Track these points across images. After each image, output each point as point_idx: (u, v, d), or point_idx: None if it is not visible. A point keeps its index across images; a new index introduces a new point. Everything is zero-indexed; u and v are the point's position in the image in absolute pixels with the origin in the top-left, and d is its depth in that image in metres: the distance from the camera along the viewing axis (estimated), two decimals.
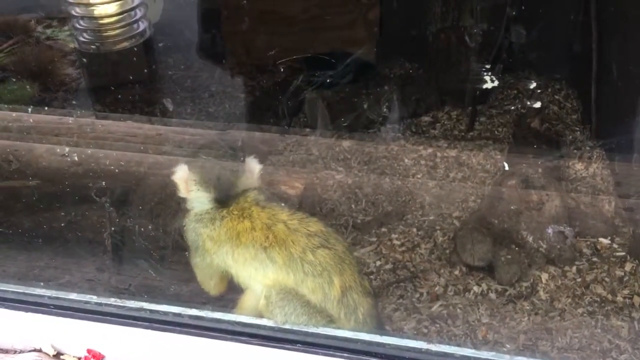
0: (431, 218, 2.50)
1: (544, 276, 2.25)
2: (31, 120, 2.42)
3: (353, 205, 2.56)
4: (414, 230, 2.46)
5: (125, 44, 2.93)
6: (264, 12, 2.95)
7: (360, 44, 2.98)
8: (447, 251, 2.36)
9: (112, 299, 1.92)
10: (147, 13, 2.99)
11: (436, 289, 2.24)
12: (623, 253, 2.30)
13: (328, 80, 2.93)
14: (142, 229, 2.17)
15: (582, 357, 2.01)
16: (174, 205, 2.01)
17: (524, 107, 2.97)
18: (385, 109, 2.84)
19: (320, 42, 2.95)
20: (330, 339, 1.77)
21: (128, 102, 2.82)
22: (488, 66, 2.89)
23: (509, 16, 2.79)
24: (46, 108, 2.70)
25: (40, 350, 1.98)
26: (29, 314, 1.94)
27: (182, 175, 1.83)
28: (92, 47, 2.93)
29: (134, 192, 2.24)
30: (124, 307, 1.90)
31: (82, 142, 2.34)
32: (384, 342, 1.76)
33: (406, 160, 2.75)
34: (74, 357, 1.96)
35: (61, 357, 1.97)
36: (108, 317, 1.90)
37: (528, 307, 2.15)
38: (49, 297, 1.94)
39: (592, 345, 2.03)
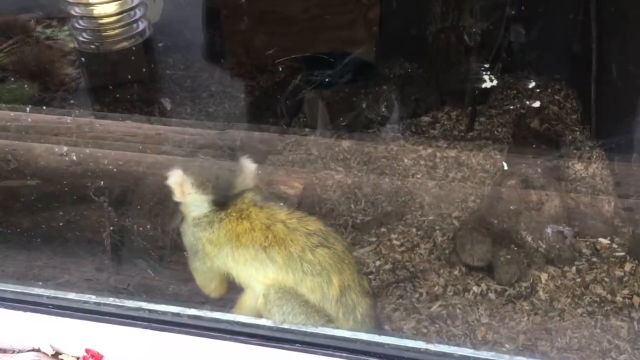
0: (431, 218, 2.49)
1: (544, 276, 2.25)
2: (29, 120, 2.42)
3: (352, 205, 2.56)
4: (414, 230, 2.45)
5: (125, 44, 2.93)
6: (264, 12, 2.95)
7: (360, 43, 2.98)
8: (447, 251, 2.36)
9: (111, 299, 1.91)
10: (146, 13, 2.99)
11: (435, 289, 2.24)
12: (622, 253, 2.30)
13: (327, 80, 2.92)
14: (141, 229, 2.16)
15: (581, 357, 2.01)
16: (173, 205, 2.00)
17: (523, 107, 2.97)
18: (383, 109, 2.83)
19: (320, 42, 2.95)
20: (329, 338, 1.76)
21: (127, 101, 2.82)
22: (488, 66, 2.89)
23: (508, 16, 2.79)
24: (44, 107, 2.69)
25: (38, 350, 1.98)
26: (28, 313, 1.94)
27: (177, 180, 1.80)
28: (92, 46, 2.93)
29: (133, 192, 2.23)
30: (122, 306, 1.89)
31: (81, 142, 2.34)
32: (383, 342, 1.76)
33: (406, 160, 2.75)
34: (72, 356, 1.96)
35: (60, 356, 1.97)
36: (107, 317, 1.90)
37: (527, 307, 2.15)
38: (48, 297, 1.94)
39: (592, 345, 2.03)
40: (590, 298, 2.17)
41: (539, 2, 2.78)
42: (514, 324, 2.11)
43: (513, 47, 2.89)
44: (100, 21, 2.91)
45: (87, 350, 1.94)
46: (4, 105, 2.72)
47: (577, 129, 2.83)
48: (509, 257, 2.26)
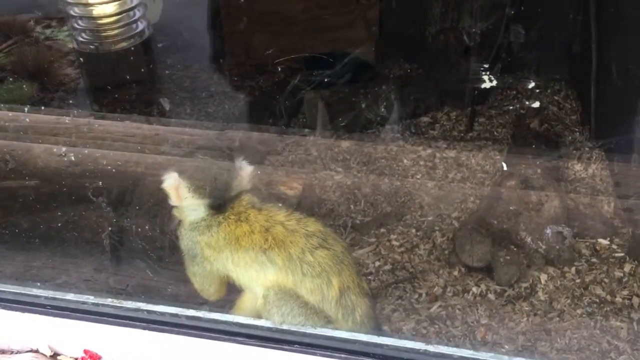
0: (430, 219, 2.49)
1: (543, 277, 2.25)
2: (27, 120, 2.41)
3: (352, 206, 2.56)
4: (413, 231, 2.45)
5: (124, 44, 2.92)
6: (264, 13, 2.95)
7: (360, 44, 2.98)
8: (446, 252, 2.35)
9: (109, 300, 1.90)
10: (146, 13, 2.98)
11: (435, 289, 2.23)
12: (622, 254, 2.30)
13: (326, 80, 2.92)
14: (140, 229, 2.16)
15: (581, 358, 2.00)
16: (171, 206, 1.99)
17: (523, 107, 2.97)
18: (383, 109, 2.83)
19: (320, 43, 2.95)
20: (328, 339, 1.76)
21: (126, 102, 2.82)
22: (487, 67, 2.89)
23: (508, 16, 2.79)
24: (43, 107, 2.69)
25: (37, 351, 1.97)
26: (26, 314, 1.93)
27: (173, 183, 1.77)
28: (91, 47, 2.93)
29: (132, 192, 2.23)
30: (121, 307, 1.89)
31: (79, 142, 2.33)
32: (382, 342, 1.75)
33: (405, 161, 2.75)
34: (70, 357, 1.96)
35: (58, 357, 1.97)
36: (105, 318, 1.89)
37: (527, 308, 2.15)
38: (46, 298, 1.93)
39: (591, 346, 2.03)
40: (590, 299, 2.17)
41: (538, 3, 2.78)
42: (514, 325, 2.11)
43: (513, 48, 2.89)
44: (100, 21, 2.91)
45: (85, 351, 1.93)
46: (2, 105, 2.71)
47: (576, 129, 2.83)
48: (508, 257, 2.26)
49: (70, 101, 3.01)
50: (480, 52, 2.88)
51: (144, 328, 1.86)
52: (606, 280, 2.22)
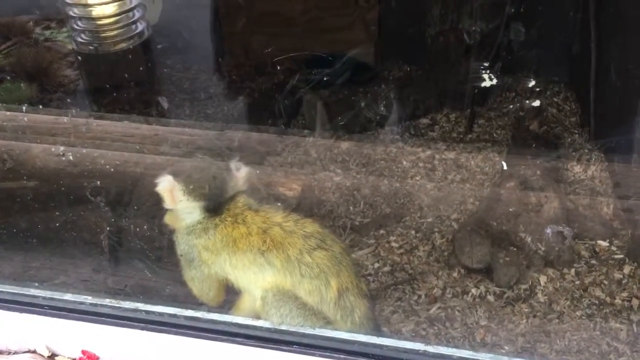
0: (429, 220, 2.49)
1: (543, 279, 2.24)
2: (26, 119, 2.41)
3: (351, 207, 2.55)
4: (412, 232, 2.45)
5: (124, 45, 2.92)
6: (263, 14, 2.95)
7: (359, 45, 2.98)
8: (446, 253, 2.35)
9: (107, 300, 1.90)
10: (145, 14, 2.98)
11: (434, 291, 2.23)
12: (622, 256, 2.30)
13: (325, 80, 2.92)
14: (138, 229, 2.15)
15: (580, 359, 2.00)
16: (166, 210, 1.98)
17: (522, 109, 2.97)
18: (382, 108, 2.83)
19: (319, 44, 2.95)
20: (327, 340, 1.75)
21: (126, 102, 2.81)
22: (487, 68, 2.88)
23: (508, 17, 2.79)
24: (41, 106, 2.69)
25: (34, 352, 1.97)
26: (24, 314, 1.93)
27: (167, 186, 1.76)
28: (90, 47, 2.93)
29: (131, 192, 2.22)
30: (119, 307, 1.88)
31: (78, 142, 2.33)
32: (381, 343, 1.75)
33: (404, 163, 2.74)
34: (68, 358, 1.95)
35: (56, 358, 1.96)
36: (103, 318, 1.89)
37: (526, 310, 2.15)
38: (44, 298, 1.93)
39: (591, 347, 2.03)
40: (589, 300, 2.17)
41: (538, 4, 2.78)
42: (513, 327, 2.10)
43: (512, 49, 2.89)
44: (99, 22, 2.90)
45: (83, 352, 1.93)
46: (1, 106, 2.71)
47: (576, 131, 2.83)
48: (507, 259, 2.25)
49: (70, 102, 3.01)
50: (480, 53, 2.88)
51: (142, 328, 1.86)
52: (605, 282, 2.22)
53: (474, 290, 2.22)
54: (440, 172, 2.69)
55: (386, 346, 1.75)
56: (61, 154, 2.28)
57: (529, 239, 2.30)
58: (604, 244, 2.34)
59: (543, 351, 2.02)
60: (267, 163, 2.66)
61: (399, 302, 2.20)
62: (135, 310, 1.88)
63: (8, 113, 2.47)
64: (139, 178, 2.24)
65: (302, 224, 1.77)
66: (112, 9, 2.89)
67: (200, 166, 1.82)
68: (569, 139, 2.78)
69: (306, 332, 1.76)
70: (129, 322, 1.87)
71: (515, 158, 2.59)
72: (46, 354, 1.96)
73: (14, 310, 1.94)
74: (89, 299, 1.91)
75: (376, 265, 2.33)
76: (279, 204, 2.10)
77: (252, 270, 1.76)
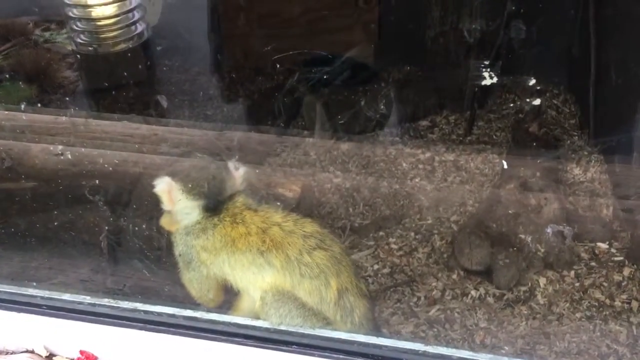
0: (429, 222, 2.49)
1: (542, 280, 2.24)
2: (24, 118, 2.41)
3: (351, 209, 2.55)
4: (412, 234, 2.45)
5: (123, 46, 2.92)
6: (263, 16, 2.96)
7: (359, 47, 2.98)
8: (445, 255, 2.35)
9: (106, 300, 1.89)
10: (145, 15, 2.98)
11: (434, 293, 2.23)
12: (621, 258, 2.30)
13: (324, 82, 2.92)
14: (137, 228, 2.14)
15: None
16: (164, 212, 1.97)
17: (522, 111, 2.97)
18: (382, 107, 2.83)
19: (319, 46, 2.95)
20: (326, 340, 1.74)
21: (125, 103, 2.81)
22: (486, 70, 2.89)
23: (508, 18, 2.79)
24: (39, 105, 2.69)
25: (32, 352, 1.96)
26: (22, 314, 1.92)
27: (165, 187, 1.75)
28: (90, 48, 2.92)
29: (130, 192, 2.22)
30: (117, 307, 1.87)
31: (77, 142, 2.32)
32: (381, 343, 1.74)
33: (404, 164, 2.74)
34: (66, 358, 1.94)
35: (54, 358, 1.95)
36: (101, 318, 1.88)
37: (526, 312, 2.14)
38: (42, 298, 1.91)
39: (591, 350, 2.02)
40: (589, 302, 2.16)
41: (537, 7, 2.78)
42: (513, 328, 2.10)
43: (512, 51, 2.89)
44: (99, 23, 2.90)
45: (81, 352, 1.92)
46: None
47: (575, 133, 2.83)
48: (507, 261, 2.25)
49: (70, 103, 3.00)
50: (479, 53, 2.88)
51: (141, 328, 1.85)
52: (605, 284, 2.22)
53: (473, 292, 2.22)
54: (440, 174, 2.69)
55: (386, 346, 1.74)
56: (59, 152, 2.27)
57: (528, 241, 2.30)
58: (603, 246, 2.34)
59: (542, 353, 2.02)
60: (267, 164, 2.66)
61: (398, 304, 2.19)
62: (134, 310, 1.87)
63: (6, 112, 2.46)
64: (138, 178, 2.24)
65: (301, 224, 1.76)
66: (112, 9, 2.88)
67: (199, 165, 1.81)
68: (569, 141, 2.78)
69: (305, 332, 1.75)
70: (127, 322, 1.86)
71: (515, 160, 2.59)
72: (44, 354, 1.96)
73: (12, 310, 1.93)
74: (87, 299, 1.90)
75: (375, 266, 2.32)
76: (278, 203, 2.09)
77: (251, 271, 1.75)
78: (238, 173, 1.81)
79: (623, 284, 2.21)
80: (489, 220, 2.36)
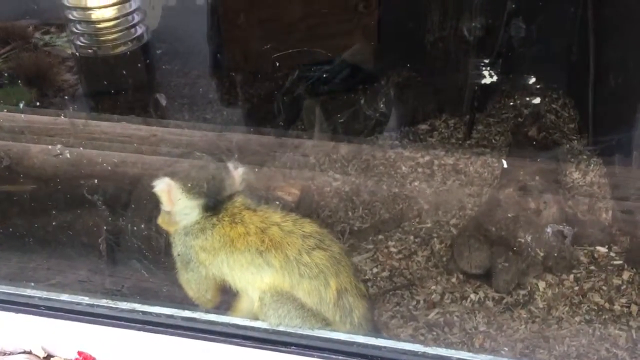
0: (428, 225, 2.49)
1: (542, 284, 2.24)
2: (23, 118, 2.40)
3: (350, 212, 2.55)
4: (411, 237, 2.44)
5: (123, 48, 2.91)
6: (263, 20, 2.96)
7: (358, 51, 2.98)
8: (444, 259, 2.34)
9: (104, 300, 1.88)
10: (145, 18, 2.98)
11: (433, 296, 2.22)
12: (620, 262, 2.30)
13: (323, 83, 2.92)
14: (135, 227, 2.14)
15: None
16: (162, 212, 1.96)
17: (521, 115, 2.97)
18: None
19: (319, 50, 2.95)
20: (325, 341, 1.74)
21: (124, 106, 2.80)
22: (486, 74, 2.89)
23: (507, 23, 2.80)
24: (37, 103, 2.69)
25: (30, 353, 1.95)
26: (19, 314, 1.91)
27: (164, 187, 1.74)
28: (90, 51, 2.92)
29: (129, 193, 2.21)
30: (116, 308, 1.86)
31: (76, 143, 2.32)
32: (380, 344, 1.73)
33: (403, 168, 2.74)
34: (64, 359, 1.93)
35: (51, 359, 1.94)
36: (100, 319, 1.87)
37: (525, 315, 2.14)
38: (40, 298, 1.91)
39: (590, 353, 2.02)
40: (588, 306, 2.16)
41: (537, 12, 2.79)
42: (512, 332, 2.10)
43: (511, 56, 2.90)
44: (98, 25, 2.89)
45: (79, 353, 1.91)
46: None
47: (574, 137, 2.84)
48: (506, 264, 2.25)
49: (69, 106, 3.00)
50: (479, 60, 2.89)
51: (139, 329, 1.84)
52: (605, 287, 2.22)
53: (472, 296, 2.22)
54: (439, 177, 2.69)
55: (385, 347, 1.73)
56: (58, 152, 2.27)
57: (527, 245, 2.30)
58: (602, 249, 2.34)
59: (542, 357, 2.02)
60: (266, 168, 2.65)
61: (398, 308, 2.19)
62: (132, 310, 1.86)
63: (5, 111, 2.46)
64: (137, 178, 2.23)
65: (300, 223, 1.75)
66: (111, 12, 2.88)
67: (198, 164, 1.81)
68: (568, 145, 2.79)
69: (304, 333, 1.74)
70: (125, 323, 1.85)
71: (514, 163, 2.59)
72: (42, 355, 1.94)
73: (9, 311, 1.92)
74: (85, 300, 1.89)
75: (375, 270, 2.32)
76: (277, 202, 2.09)
77: (250, 271, 1.74)
78: (237, 173, 1.80)
79: (622, 287, 2.21)
80: (488, 224, 2.35)
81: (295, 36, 2.93)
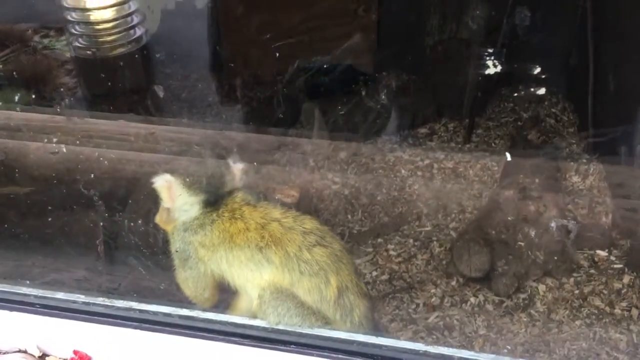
0: (428, 229, 2.48)
1: (541, 288, 2.23)
2: (20, 116, 2.39)
3: (349, 216, 2.54)
4: (411, 240, 2.44)
5: (122, 50, 2.90)
6: (262, 24, 2.96)
7: (358, 55, 2.99)
8: (444, 262, 2.34)
9: (100, 299, 1.85)
10: (144, 20, 2.97)
11: (433, 300, 2.21)
12: (621, 265, 2.30)
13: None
14: (133, 224, 2.12)
15: None
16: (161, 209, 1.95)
17: (520, 119, 2.98)
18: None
19: (318, 54, 2.96)
20: (325, 340, 1.71)
21: (123, 107, 2.79)
22: (485, 78, 2.90)
23: (506, 29, 2.81)
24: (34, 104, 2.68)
25: (25, 352, 1.92)
26: (14, 313, 1.88)
27: (164, 183, 1.73)
28: (88, 52, 2.91)
29: (127, 190, 2.19)
30: (112, 306, 1.84)
31: (75, 142, 2.31)
32: (381, 343, 1.71)
33: (403, 171, 2.74)
34: (60, 358, 1.90)
35: (47, 358, 1.91)
36: (96, 317, 1.84)
37: (525, 319, 2.13)
38: (35, 296, 1.88)
39: (590, 357, 2.01)
40: (589, 310, 2.15)
41: (536, 17, 2.80)
42: (512, 336, 2.09)
43: (511, 60, 2.91)
44: (97, 27, 2.88)
45: (75, 352, 1.88)
46: None
47: (574, 141, 2.85)
48: (506, 267, 2.25)
49: (68, 108, 2.98)
50: (479, 63, 2.90)
51: (136, 328, 1.81)
52: (605, 291, 2.21)
53: (472, 299, 2.21)
54: (439, 181, 2.69)
55: (386, 346, 1.71)
56: (56, 150, 2.25)
57: (527, 248, 2.29)
58: (603, 253, 2.33)
59: None
60: (265, 170, 2.64)
61: (397, 311, 2.18)
62: (129, 309, 1.83)
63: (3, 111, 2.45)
64: (136, 176, 2.22)
65: (301, 220, 1.73)
66: (110, 13, 2.87)
67: (198, 161, 1.80)
68: (567, 149, 2.80)
69: (304, 331, 1.71)
70: (122, 322, 1.82)
71: (514, 167, 2.58)
72: (37, 354, 1.92)
73: (4, 309, 1.89)
74: (81, 298, 1.86)
75: (374, 273, 2.31)
76: (277, 197, 2.07)
77: (249, 267, 1.71)
78: (237, 168, 1.79)
79: (623, 291, 2.21)
80: (488, 227, 2.35)
81: (294, 40, 2.93)
